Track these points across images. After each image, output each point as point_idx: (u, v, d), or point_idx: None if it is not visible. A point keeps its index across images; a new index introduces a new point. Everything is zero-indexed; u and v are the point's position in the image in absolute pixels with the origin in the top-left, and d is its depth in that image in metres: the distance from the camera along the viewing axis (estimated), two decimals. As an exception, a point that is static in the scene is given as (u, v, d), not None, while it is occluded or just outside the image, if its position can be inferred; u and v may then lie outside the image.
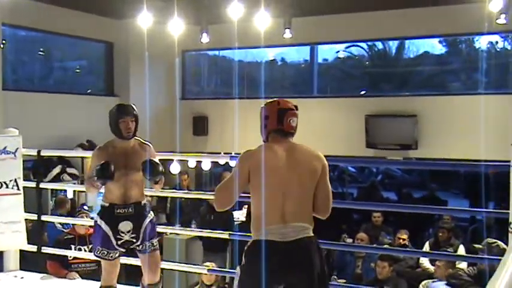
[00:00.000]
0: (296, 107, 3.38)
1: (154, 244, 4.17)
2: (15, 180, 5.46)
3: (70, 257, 5.70)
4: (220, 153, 9.65)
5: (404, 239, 7.89)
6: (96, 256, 4.17)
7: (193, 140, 11.40)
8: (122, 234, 4.04)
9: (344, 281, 7.11)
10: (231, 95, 11.57)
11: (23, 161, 5.58)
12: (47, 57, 10.94)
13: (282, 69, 12.91)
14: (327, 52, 12.10)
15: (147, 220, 4.15)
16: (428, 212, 8.39)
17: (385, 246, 8.00)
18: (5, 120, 7.33)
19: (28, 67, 10.64)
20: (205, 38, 10.23)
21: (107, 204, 4.09)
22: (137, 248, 4.14)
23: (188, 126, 11.66)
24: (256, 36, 10.00)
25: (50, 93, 10.01)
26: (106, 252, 4.07)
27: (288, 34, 10.13)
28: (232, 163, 10.01)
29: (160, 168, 4.11)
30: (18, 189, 5.47)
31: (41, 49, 10.61)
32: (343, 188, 14.08)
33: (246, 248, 3.03)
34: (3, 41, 8.71)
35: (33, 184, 5.77)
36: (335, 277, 7.45)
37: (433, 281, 6.45)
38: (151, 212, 4.27)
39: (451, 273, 6.18)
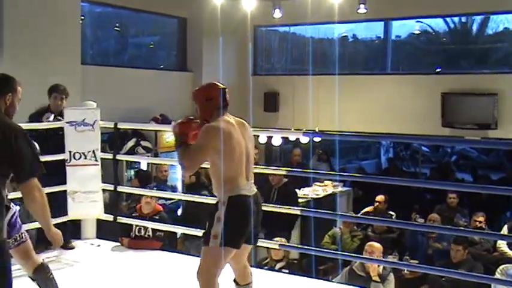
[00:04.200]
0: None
1: None
2: (94, 152, 5.61)
3: (132, 235, 5.83)
4: (291, 129, 9.62)
5: (480, 222, 7.64)
6: None
7: (264, 116, 11.37)
8: None
9: (417, 261, 6.96)
10: (302, 71, 11.47)
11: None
12: (122, 33, 11.14)
13: (353, 45, 12.68)
14: (401, 28, 11.77)
15: None
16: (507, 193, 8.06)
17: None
18: (84, 94, 7.51)
19: (104, 43, 10.87)
20: (277, 14, 10.14)
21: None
22: None
23: (259, 102, 11.65)
24: (329, 12, 9.84)
25: (125, 67, 10.19)
26: None
27: (362, 9, 9.92)
28: (304, 139, 10.06)
29: None
30: (96, 160, 5.62)
31: (117, 25, 10.81)
32: (416, 167, 13.83)
33: (224, 204, 3.48)
34: (82, 17, 8.94)
35: (110, 156, 5.91)
36: (407, 257, 7.31)
37: (512, 266, 6.22)
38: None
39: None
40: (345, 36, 12.38)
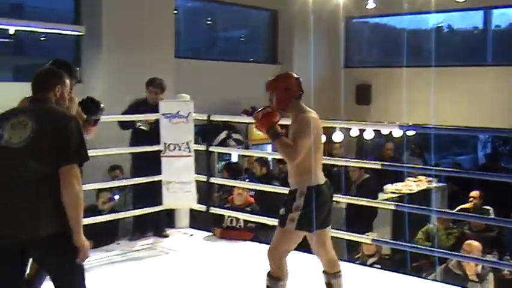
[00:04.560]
0: None
1: None
2: (187, 143, 5.70)
3: (224, 226, 5.88)
4: (384, 122, 9.39)
5: None
6: None
7: (355, 109, 11.20)
8: None
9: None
10: (395, 63, 11.19)
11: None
12: (212, 26, 11.31)
13: (449, 36, 12.22)
14: (501, 17, 11.22)
15: None
16: None
17: None
18: (178, 86, 7.67)
19: (195, 36, 11.07)
20: (371, 4, 9.94)
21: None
22: None
23: (351, 95, 11.48)
24: (425, 1, 9.53)
25: (216, 61, 10.34)
26: None
27: (462, -3, 9.57)
28: (397, 133, 9.80)
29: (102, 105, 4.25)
30: (189, 151, 5.72)
31: (209, 18, 10.98)
32: (516, 164, 13.21)
33: (304, 192, 3.61)
34: (175, 11, 9.14)
35: (203, 147, 6.00)
36: (507, 257, 6.96)
37: None
38: None
39: None
40: (440, 26, 11.96)
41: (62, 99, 3.24)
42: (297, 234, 3.65)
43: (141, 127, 5.79)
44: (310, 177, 3.61)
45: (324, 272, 3.95)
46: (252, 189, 6.48)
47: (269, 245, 3.72)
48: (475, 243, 5.73)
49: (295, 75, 3.78)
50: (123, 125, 5.87)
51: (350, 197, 6.34)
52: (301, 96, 3.73)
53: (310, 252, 4.03)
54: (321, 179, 3.70)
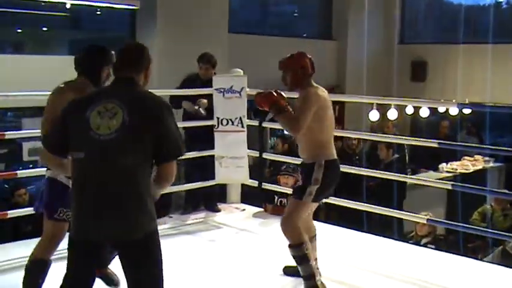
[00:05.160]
0: None
1: None
2: (240, 118, 5.68)
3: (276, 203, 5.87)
4: (439, 100, 9.18)
5: None
6: None
7: (410, 86, 10.96)
8: None
9: None
10: (451, 39, 10.89)
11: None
12: (266, 2, 11.21)
13: (509, 12, 11.77)
14: None
15: None
16: None
17: None
18: (231, 61, 7.65)
19: (248, 11, 11.00)
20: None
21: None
22: None
23: (405, 71, 11.23)
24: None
25: (269, 36, 10.26)
26: None
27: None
28: (454, 111, 9.57)
29: None
30: (242, 126, 5.70)
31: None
32: None
33: (322, 165, 3.74)
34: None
35: (255, 123, 5.98)
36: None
37: None
38: None
39: None
40: (500, 2, 11.53)
41: (146, 81, 2.89)
42: (312, 205, 3.87)
43: (200, 110, 5.76)
44: (326, 151, 3.79)
45: None
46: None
47: (284, 215, 3.83)
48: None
49: (308, 55, 3.90)
50: (175, 102, 5.84)
51: (404, 176, 6.24)
52: (312, 75, 3.86)
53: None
54: (334, 154, 3.87)
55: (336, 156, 3.87)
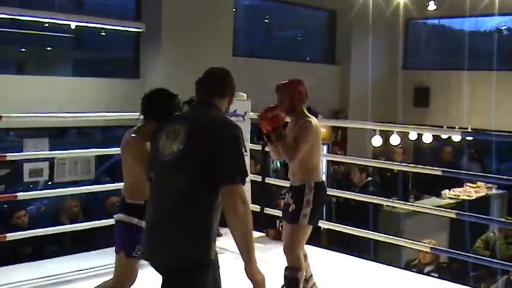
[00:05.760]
0: None
1: None
2: (244, 142, 5.64)
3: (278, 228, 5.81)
4: (442, 126, 9.18)
5: None
6: None
7: (413, 112, 10.97)
8: None
9: None
10: (453, 65, 10.94)
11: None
12: (270, 25, 11.25)
13: (508, 39, 11.81)
14: None
15: None
16: None
17: None
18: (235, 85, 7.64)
19: (252, 34, 11.04)
20: (432, 6, 9.72)
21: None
22: None
23: (408, 97, 11.25)
24: (488, 3, 9.26)
25: (272, 59, 10.27)
26: None
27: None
28: (457, 137, 9.56)
29: None
30: (245, 151, 5.63)
31: (266, 17, 10.93)
32: None
33: (312, 187, 3.83)
34: (233, 9, 9.13)
35: (258, 147, 5.94)
36: None
37: None
38: None
39: None
40: (501, 29, 11.58)
41: (229, 108, 2.89)
42: (309, 228, 3.89)
43: None
44: (316, 174, 3.93)
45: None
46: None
47: (284, 243, 3.89)
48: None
49: (303, 82, 4.06)
50: None
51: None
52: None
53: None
54: (322, 176, 4.08)
55: (323, 179, 4.07)
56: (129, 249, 3.43)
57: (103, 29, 8.12)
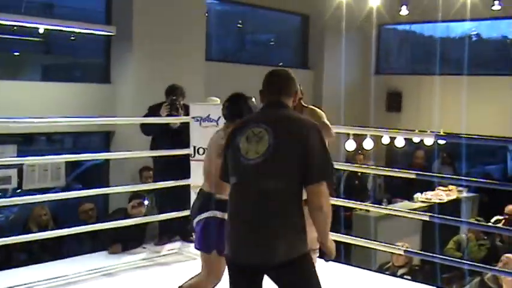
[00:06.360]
0: None
1: None
2: (217, 147, 5.59)
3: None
4: (414, 130, 9.24)
5: None
6: None
7: (386, 116, 11.05)
8: None
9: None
10: (425, 71, 11.06)
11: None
12: (242, 30, 11.23)
13: (478, 45, 12.01)
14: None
15: None
16: None
17: None
18: (207, 90, 7.60)
19: (225, 39, 11.00)
20: (404, 11, 9.81)
21: None
22: None
23: (381, 102, 11.32)
24: (460, 9, 9.38)
25: (245, 64, 10.24)
26: None
27: (496, 6, 9.40)
28: (429, 141, 9.65)
29: None
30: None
31: (239, 21, 10.91)
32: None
33: None
34: (206, 14, 9.08)
35: (232, 152, 5.89)
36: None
37: None
38: None
39: None
40: (470, 35, 11.76)
41: (293, 107, 3.00)
42: None
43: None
44: None
45: None
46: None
47: None
48: (514, 257, 5.54)
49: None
50: (146, 129, 5.78)
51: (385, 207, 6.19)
52: None
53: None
54: None
55: None
56: (223, 246, 3.36)
57: (73, 32, 7.99)
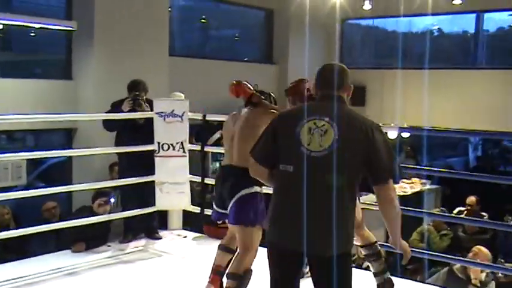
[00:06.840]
0: None
1: None
2: (182, 143, 5.57)
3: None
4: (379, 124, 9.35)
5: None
6: None
7: (350, 110, 11.16)
8: None
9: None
10: (388, 65, 11.18)
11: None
12: (206, 25, 11.18)
13: (439, 39, 12.22)
14: (488, 22, 11.24)
15: None
16: None
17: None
18: (172, 85, 7.55)
19: (189, 34, 10.94)
20: (367, 5, 9.89)
21: None
22: None
23: (345, 95, 11.42)
24: (422, 4, 9.51)
25: (210, 59, 10.20)
26: None
27: (457, 1, 9.56)
28: (392, 135, 9.76)
29: None
30: (184, 151, 5.59)
31: (203, 17, 10.86)
32: (506, 166, 13.29)
33: None
34: (169, 9, 9.00)
35: (198, 147, 5.86)
36: (501, 260, 6.91)
37: None
38: None
39: None
40: (431, 30, 11.95)
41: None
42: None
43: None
44: None
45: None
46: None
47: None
48: (485, 251, 5.63)
49: (306, 80, 4.17)
50: (109, 125, 5.69)
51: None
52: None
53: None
54: None
55: None
56: (261, 218, 3.56)
57: (33, 28, 7.82)
